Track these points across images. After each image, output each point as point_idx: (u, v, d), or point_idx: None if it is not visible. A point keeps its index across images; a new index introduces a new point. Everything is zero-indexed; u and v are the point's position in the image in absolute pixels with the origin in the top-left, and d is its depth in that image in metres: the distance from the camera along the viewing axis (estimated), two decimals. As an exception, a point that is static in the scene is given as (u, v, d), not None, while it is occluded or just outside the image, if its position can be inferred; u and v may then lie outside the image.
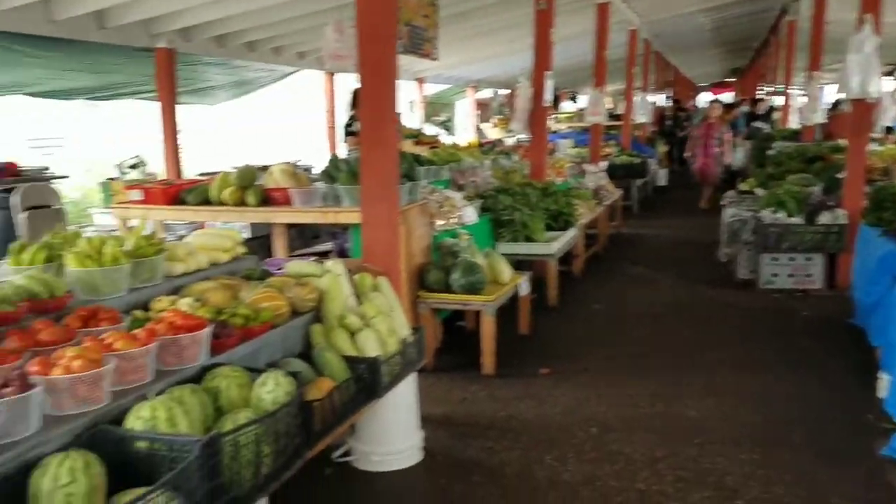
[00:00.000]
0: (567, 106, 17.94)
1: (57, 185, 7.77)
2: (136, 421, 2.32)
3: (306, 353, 3.47)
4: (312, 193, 5.18)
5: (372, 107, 4.16)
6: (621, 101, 15.64)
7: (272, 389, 2.71)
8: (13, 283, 2.91)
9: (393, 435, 3.83)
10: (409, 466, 3.90)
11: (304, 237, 6.94)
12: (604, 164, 11.20)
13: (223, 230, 4.43)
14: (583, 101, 17.33)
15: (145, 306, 3.26)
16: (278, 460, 2.61)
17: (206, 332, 2.86)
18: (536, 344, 5.81)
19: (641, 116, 15.34)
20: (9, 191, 7.25)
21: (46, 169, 7.92)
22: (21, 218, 7.12)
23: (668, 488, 3.58)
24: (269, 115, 20.68)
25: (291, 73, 10.28)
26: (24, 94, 7.86)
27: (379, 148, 4.16)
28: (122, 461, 2.21)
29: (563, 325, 6.33)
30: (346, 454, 3.94)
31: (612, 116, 14.81)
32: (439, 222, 5.54)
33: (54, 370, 2.30)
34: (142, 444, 2.25)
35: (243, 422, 2.48)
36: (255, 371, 2.90)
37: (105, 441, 2.25)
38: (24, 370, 2.24)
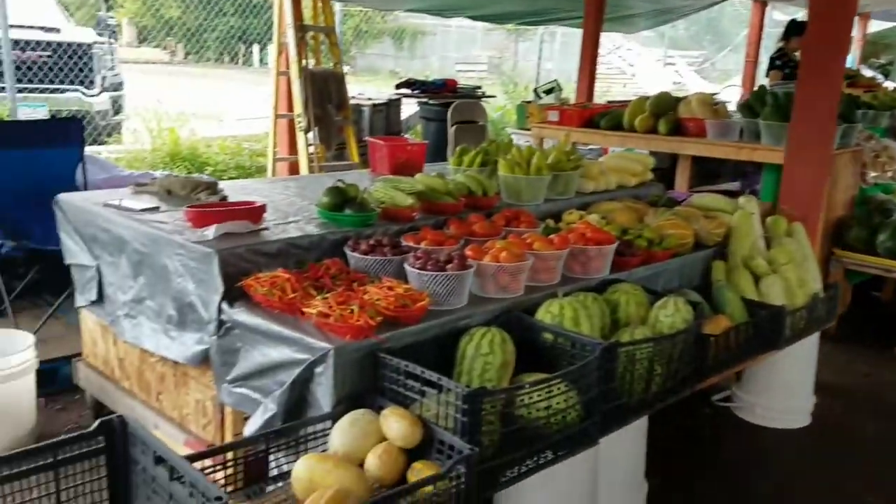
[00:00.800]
0: None
1: (484, 103, 8.59)
2: (546, 314, 2.53)
3: (703, 289, 3.40)
4: (729, 127, 4.92)
5: (820, 36, 3.77)
6: None
7: (671, 314, 2.73)
8: (456, 179, 3.33)
9: (783, 392, 3.60)
10: (794, 428, 3.65)
11: (702, 175, 6.69)
12: None
13: (635, 154, 4.47)
14: None
15: (556, 217, 3.49)
16: (667, 383, 2.64)
17: (613, 247, 2.97)
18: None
19: None
20: (446, 105, 8.22)
21: (478, 88, 8.75)
22: (451, 131, 8.06)
23: None
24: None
25: (715, 3, 9.74)
26: (465, 16, 8.75)
27: (820, 82, 3.77)
28: (528, 347, 2.44)
29: None
30: (727, 399, 3.83)
31: None
32: (871, 174, 4.88)
33: (485, 257, 2.60)
34: (548, 336, 2.45)
35: (640, 337, 2.55)
36: (651, 293, 2.94)
37: (517, 326, 2.50)
38: (462, 253, 2.58)
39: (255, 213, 2.78)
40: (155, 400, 2.89)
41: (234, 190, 3.40)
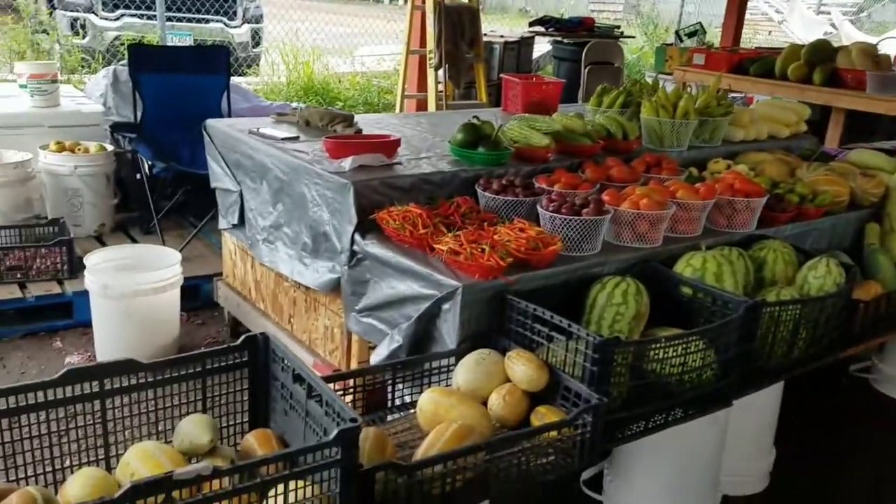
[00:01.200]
0: None
1: (621, 44, 8.23)
2: (686, 268, 2.41)
3: (854, 252, 3.14)
4: (892, 80, 4.48)
5: None
6: None
7: (822, 275, 2.54)
8: (595, 121, 3.20)
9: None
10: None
11: (854, 131, 6.15)
12: None
13: (790, 103, 4.14)
14: None
15: (701, 166, 3.30)
16: (810, 348, 2.47)
17: (762, 200, 2.77)
18: None
19: None
20: (580, 45, 7.94)
21: (617, 28, 8.38)
22: (584, 72, 7.79)
23: None
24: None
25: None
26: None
27: None
28: (662, 300, 2.34)
29: None
30: (865, 370, 3.57)
31: None
32: None
33: (623, 203, 2.49)
34: (686, 290, 2.33)
35: (787, 298, 2.39)
36: (799, 252, 2.74)
37: (653, 277, 2.40)
38: (599, 198, 2.48)
39: (389, 146, 2.78)
40: (287, 322, 3.00)
41: (368, 123, 3.42)
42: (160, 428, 1.67)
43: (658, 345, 2.01)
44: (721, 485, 2.56)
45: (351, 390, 1.98)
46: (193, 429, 1.59)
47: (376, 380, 2.03)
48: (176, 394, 1.67)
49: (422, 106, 6.19)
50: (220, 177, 3.22)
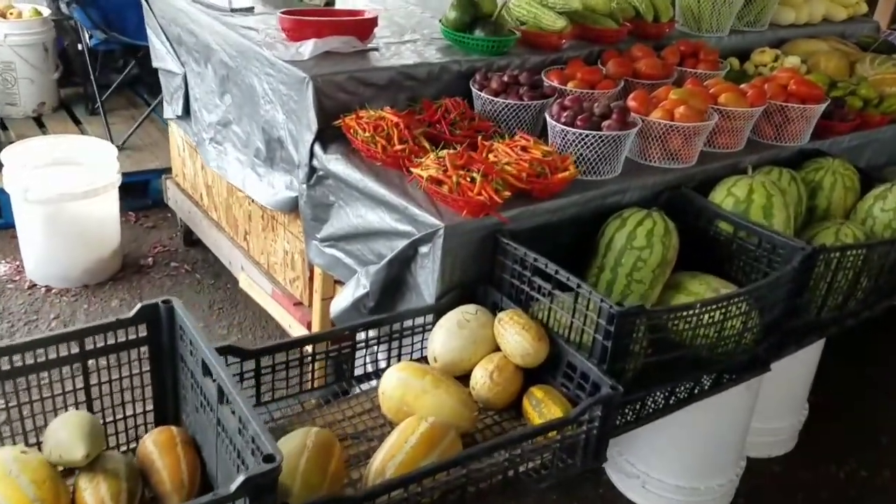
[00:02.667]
0: None
1: None
2: (727, 197, 1.92)
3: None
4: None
5: None
6: None
7: (891, 208, 2.06)
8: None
9: None
10: None
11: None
12: None
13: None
14: None
15: (744, 55, 2.74)
16: (870, 298, 2.03)
17: (821, 107, 2.24)
18: None
19: None
20: None
21: None
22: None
23: None
24: None
25: None
26: None
27: None
28: (693, 235, 1.88)
29: None
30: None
31: None
32: None
33: (654, 112, 1.97)
34: (725, 227, 1.86)
35: (850, 241, 1.92)
36: (858, 172, 2.25)
37: (684, 208, 1.93)
38: (624, 106, 1.95)
39: (363, 26, 2.21)
40: (242, 239, 2.55)
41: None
42: (27, 427, 1.26)
43: (692, 311, 1.57)
44: (746, 447, 2.20)
45: (308, 358, 1.56)
46: (66, 437, 1.17)
47: (331, 349, 1.60)
48: (45, 384, 1.24)
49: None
50: (161, 55, 2.66)
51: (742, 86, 2.22)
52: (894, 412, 2.69)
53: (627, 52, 2.41)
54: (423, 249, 1.66)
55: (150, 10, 2.65)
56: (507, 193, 1.65)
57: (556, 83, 2.15)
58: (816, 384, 2.42)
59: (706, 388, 1.75)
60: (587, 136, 1.83)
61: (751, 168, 1.97)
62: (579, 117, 1.86)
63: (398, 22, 2.50)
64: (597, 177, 1.89)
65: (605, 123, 1.85)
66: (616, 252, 1.76)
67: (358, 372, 1.66)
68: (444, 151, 1.72)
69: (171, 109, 2.68)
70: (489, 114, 2.03)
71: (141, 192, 3.14)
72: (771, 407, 2.22)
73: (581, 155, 1.86)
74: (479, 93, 2.05)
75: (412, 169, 1.72)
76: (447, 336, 1.58)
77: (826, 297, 1.90)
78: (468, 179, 1.63)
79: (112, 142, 3.03)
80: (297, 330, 2.27)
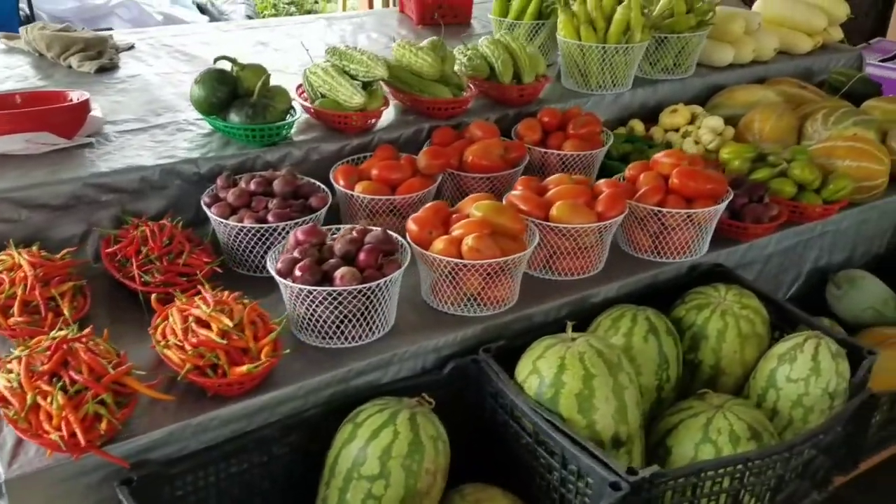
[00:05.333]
0: None
1: None
2: (531, 376, 1.25)
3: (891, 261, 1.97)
4: None
5: None
6: None
7: (805, 375, 1.36)
8: (475, 49, 1.95)
9: None
10: None
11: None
12: None
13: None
14: None
15: (652, 114, 2.08)
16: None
17: (718, 209, 1.57)
18: None
19: None
20: None
21: None
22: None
23: None
24: None
25: None
26: None
27: None
28: (496, 422, 1.25)
29: None
30: None
31: None
32: None
33: (437, 243, 1.34)
34: (526, 424, 1.23)
35: (724, 445, 1.26)
36: (770, 303, 1.55)
37: (479, 386, 1.30)
38: (385, 235, 1.33)
39: (61, 115, 1.59)
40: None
41: (159, 44, 2.27)
42: None
43: None
44: None
45: None
46: None
47: None
48: None
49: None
50: None
51: (601, 182, 1.56)
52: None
53: (466, 129, 1.78)
54: None
55: None
56: (116, 421, 1.04)
57: (342, 185, 1.55)
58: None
59: None
60: (313, 293, 1.22)
61: (570, 327, 1.30)
62: (299, 265, 1.25)
63: (169, 89, 1.92)
64: (343, 343, 1.29)
65: (339, 275, 1.24)
66: (341, 479, 1.16)
67: None
68: (32, 342, 1.12)
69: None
70: (226, 241, 1.45)
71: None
72: None
73: (313, 315, 1.25)
74: (208, 211, 1.46)
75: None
76: None
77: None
78: (49, 401, 1.03)
79: None
80: None
